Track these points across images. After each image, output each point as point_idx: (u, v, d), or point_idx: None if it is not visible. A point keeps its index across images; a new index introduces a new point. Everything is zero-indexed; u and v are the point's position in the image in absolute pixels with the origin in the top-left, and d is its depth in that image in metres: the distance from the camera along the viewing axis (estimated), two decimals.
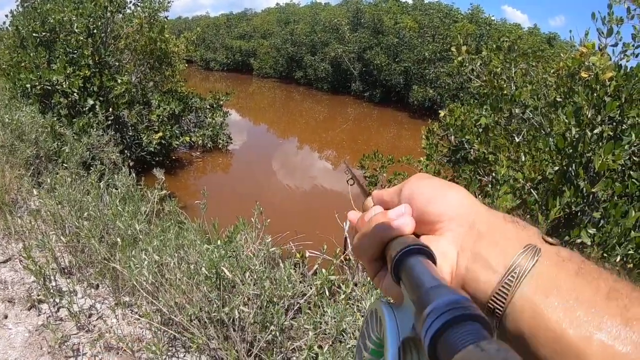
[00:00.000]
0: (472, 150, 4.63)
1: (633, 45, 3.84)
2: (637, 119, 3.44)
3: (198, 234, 3.80)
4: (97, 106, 9.43)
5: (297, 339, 3.02)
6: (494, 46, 5.41)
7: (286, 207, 10.47)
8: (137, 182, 5.52)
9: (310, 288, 3.30)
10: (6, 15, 10.94)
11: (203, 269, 3.11)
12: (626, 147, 3.13)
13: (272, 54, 35.58)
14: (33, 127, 7.20)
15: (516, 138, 4.36)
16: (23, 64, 9.55)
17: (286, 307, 3.21)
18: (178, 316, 3.11)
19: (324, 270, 3.12)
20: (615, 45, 3.84)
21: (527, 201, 3.53)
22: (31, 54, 9.60)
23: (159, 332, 3.27)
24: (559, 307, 0.42)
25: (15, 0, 10.79)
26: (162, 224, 4.02)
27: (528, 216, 3.47)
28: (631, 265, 2.94)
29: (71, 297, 3.53)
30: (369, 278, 3.34)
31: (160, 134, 10.79)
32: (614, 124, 3.40)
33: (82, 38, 9.55)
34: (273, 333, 2.93)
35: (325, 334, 2.83)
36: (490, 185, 4.05)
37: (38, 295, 3.76)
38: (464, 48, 5.27)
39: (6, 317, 3.57)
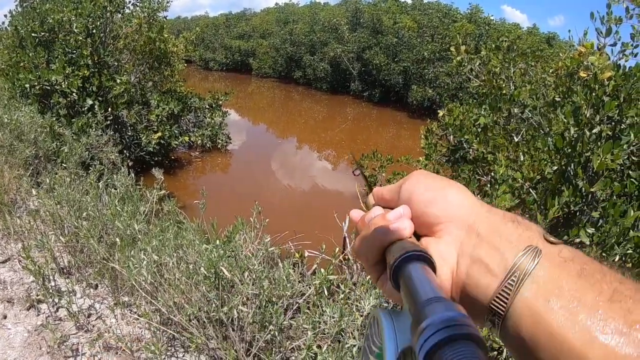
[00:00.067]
0: (471, 149, 4.63)
1: (632, 45, 3.84)
2: (635, 118, 3.44)
3: (197, 233, 3.80)
4: (96, 106, 9.43)
5: (296, 338, 3.02)
6: (493, 46, 5.41)
7: (285, 207, 10.47)
8: (136, 182, 5.52)
9: (309, 288, 3.30)
10: (5, 15, 10.95)
11: (202, 268, 3.11)
12: (625, 146, 3.13)
13: (271, 53, 35.57)
14: (32, 127, 7.20)
15: (515, 138, 4.36)
16: (22, 64, 9.54)
17: (285, 306, 3.21)
18: (177, 316, 3.11)
19: (322, 270, 3.12)
20: (614, 44, 3.84)
21: (525, 201, 3.53)
22: (30, 54, 9.59)
23: (158, 331, 3.27)
24: (561, 311, 0.41)
25: (14, 0, 10.80)
26: (161, 224, 4.02)
27: (527, 216, 3.47)
28: (630, 264, 2.95)
29: (70, 297, 3.53)
30: (368, 278, 3.34)
31: (160, 133, 10.78)
32: (613, 123, 3.40)
33: (81, 38, 9.55)
34: (272, 333, 2.93)
35: (324, 334, 2.83)
36: (489, 185, 4.05)
37: (37, 295, 3.76)
38: (462, 48, 5.27)
39: (5, 317, 3.57)
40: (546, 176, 3.51)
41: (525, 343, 0.43)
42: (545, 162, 3.55)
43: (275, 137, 20.04)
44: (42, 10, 9.75)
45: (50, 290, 3.69)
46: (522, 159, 3.83)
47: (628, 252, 2.90)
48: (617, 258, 2.91)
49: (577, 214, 3.43)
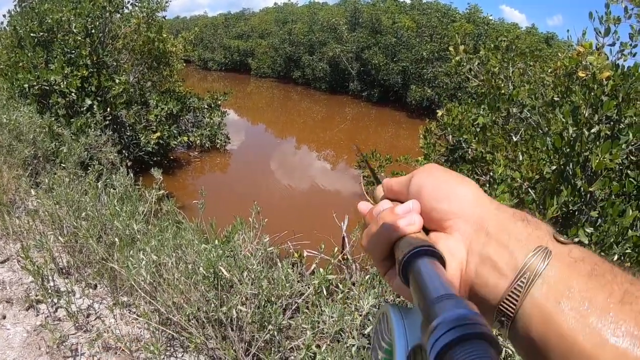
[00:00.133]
0: (469, 149, 4.64)
1: (630, 45, 3.84)
2: (634, 118, 3.45)
3: (196, 233, 3.79)
4: (95, 106, 9.42)
5: (295, 338, 3.02)
6: (492, 46, 5.42)
7: (284, 207, 10.48)
8: (135, 182, 5.52)
9: (308, 287, 3.30)
10: (4, 15, 10.95)
11: (201, 268, 3.11)
12: (623, 146, 3.14)
13: (270, 53, 35.59)
14: (31, 127, 7.19)
15: (514, 137, 4.36)
16: (21, 64, 9.54)
17: (284, 306, 3.21)
18: (176, 316, 3.11)
19: (321, 270, 3.12)
20: (613, 44, 3.84)
21: (524, 200, 3.53)
22: (29, 54, 9.59)
23: (157, 332, 3.27)
24: (571, 313, 0.41)
25: (13, 0, 10.80)
26: (160, 224, 4.02)
27: None
28: (629, 264, 2.95)
29: (69, 297, 3.52)
30: (367, 277, 3.35)
31: (158, 133, 10.79)
32: (612, 123, 3.41)
33: (80, 38, 9.55)
34: (271, 332, 2.94)
35: (323, 334, 2.83)
36: (487, 185, 4.06)
37: (36, 296, 3.76)
38: (461, 47, 5.27)
39: (4, 317, 3.57)
40: (545, 176, 3.51)
41: (534, 344, 0.43)
42: (544, 162, 3.56)
43: (274, 137, 20.06)
44: (40, 10, 9.75)
45: (49, 291, 3.69)
46: (520, 159, 3.84)
47: (627, 251, 2.91)
48: (615, 257, 2.91)
49: (576, 213, 3.43)
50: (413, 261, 0.47)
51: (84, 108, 9.42)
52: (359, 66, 27.89)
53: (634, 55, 3.86)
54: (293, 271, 3.30)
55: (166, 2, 11.26)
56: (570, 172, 3.41)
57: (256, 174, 13.24)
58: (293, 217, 9.30)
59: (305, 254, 4.39)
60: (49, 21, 9.62)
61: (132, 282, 3.33)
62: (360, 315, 2.82)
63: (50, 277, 3.86)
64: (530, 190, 3.55)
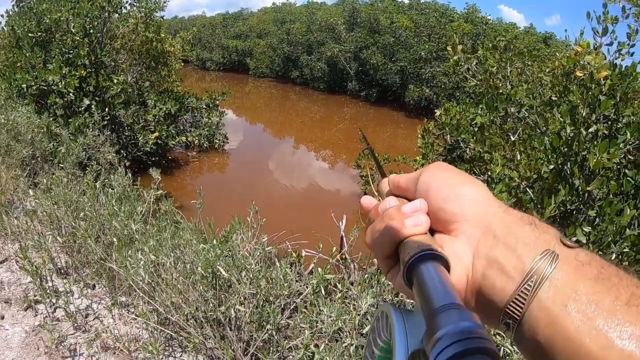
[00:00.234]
0: (467, 149, 4.64)
1: (628, 44, 3.85)
2: (632, 117, 3.46)
3: (194, 233, 3.79)
4: (93, 106, 9.41)
5: (294, 338, 3.02)
6: (490, 45, 5.42)
7: (282, 207, 10.48)
8: (133, 182, 5.51)
9: (307, 287, 3.30)
10: (2, 15, 10.93)
11: (199, 268, 3.11)
12: (621, 145, 3.14)
13: (268, 53, 35.57)
14: (29, 127, 7.18)
15: (511, 137, 4.37)
16: (19, 64, 9.53)
17: (282, 306, 3.22)
18: (174, 316, 3.11)
19: (320, 270, 3.12)
20: (611, 44, 3.85)
21: (522, 200, 3.54)
22: (27, 54, 9.58)
23: (155, 331, 3.27)
24: (578, 316, 0.41)
25: (10, 0, 10.78)
26: (159, 224, 4.01)
27: None
28: (627, 263, 2.96)
29: (68, 298, 3.52)
30: (365, 277, 3.35)
31: (157, 133, 10.78)
32: (609, 122, 3.42)
33: (78, 38, 9.55)
34: (269, 332, 2.94)
35: (322, 333, 2.83)
36: (485, 184, 4.06)
37: (35, 296, 3.76)
38: (459, 47, 5.28)
39: (3, 317, 3.57)
40: (543, 175, 3.52)
41: (541, 347, 0.43)
42: (542, 161, 3.56)
43: (272, 136, 20.05)
44: (38, 11, 9.74)
45: (48, 291, 3.68)
46: (518, 158, 3.84)
47: (624, 250, 2.91)
48: (613, 256, 2.92)
49: (574, 212, 3.44)
50: (418, 265, 0.47)
51: (82, 108, 9.41)
52: (357, 66, 27.89)
53: (632, 55, 3.87)
54: (291, 271, 3.30)
55: (164, 2, 11.25)
56: (568, 172, 3.41)
57: (254, 174, 13.24)
58: (291, 216, 9.30)
59: (303, 253, 4.40)
60: (47, 21, 9.61)
61: (131, 282, 3.33)
62: (359, 315, 2.82)
63: (48, 278, 3.86)
64: (528, 190, 3.56)
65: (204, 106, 13.11)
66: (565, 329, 0.41)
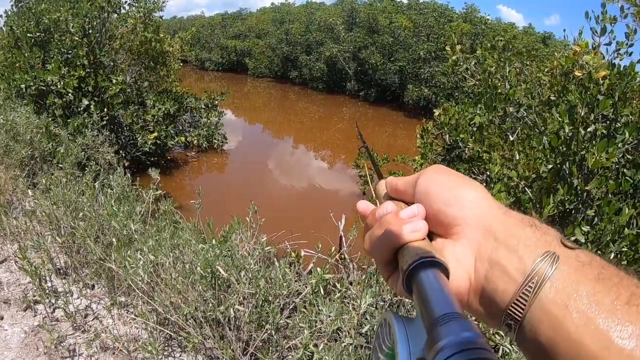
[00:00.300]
0: (466, 148, 4.65)
1: (626, 44, 3.86)
2: (630, 117, 3.46)
3: (193, 233, 3.79)
4: (92, 106, 9.41)
5: (293, 337, 3.02)
6: (489, 45, 5.43)
7: (281, 207, 10.49)
8: (132, 182, 5.51)
9: (306, 287, 3.30)
10: (0, 16, 10.92)
11: (198, 268, 3.11)
12: (619, 145, 3.15)
13: (267, 53, 35.57)
14: (28, 127, 7.18)
15: (510, 137, 4.38)
16: (17, 65, 9.52)
17: (281, 306, 3.22)
18: (174, 316, 3.11)
19: (319, 269, 3.12)
20: (609, 44, 3.85)
21: (521, 199, 3.54)
22: (26, 54, 9.57)
23: (154, 331, 3.27)
24: (578, 316, 0.41)
25: (9, 0, 10.78)
26: (158, 224, 4.01)
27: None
28: (625, 262, 2.96)
29: (67, 298, 3.52)
30: (364, 277, 3.35)
31: (156, 134, 10.78)
32: (608, 122, 3.42)
33: (77, 38, 9.54)
34: (269, 332, 2.94)
35: (321, 333, 2.83)
36: (484, 184, 4.06)
37: (34, 296, 3.75)
38: (458, 47, 5.29)
39: (2, 318, 3.56)
40: (541, 175, 3.52)
41: (542, 348, 0.43)
42: (541, 161, 3.57)
43: (271, 137, 20.05)
44: (37, 11, 9.73)
45: (47, 291, 3.68)
46: (517, 158, 3.85)
47: (623, 249, 2.92)
48: (612, 256, 2.92)
49: (573, 212, 3.44)
50: (417, 272, 0.47)
51: (81, 108, 9.40)
52: (356, 66, 27.90)
53: (630, 55, 3.87)
54: (290, 270, 3.30)
55: (163, 2, 11.24)
56: (567, 171, 3.42)
57: (253, 174, 13.24)
58: (290, 216, 9.30)
59: (302, 253, 4.40)
60: (46, 21, 9.61)
61: (130, 282, 3.33)
62: (358, 315, 2.82)
63: (47, 278, 3.86)
64: (526, 189, 3.56)
65: (203, 106, 13.10)
66: (566, 330, 0.41)
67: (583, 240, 3.01)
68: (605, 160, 3.02)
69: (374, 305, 2.97)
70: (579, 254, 0.45)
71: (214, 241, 3.36)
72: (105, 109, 9.74)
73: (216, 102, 13.43)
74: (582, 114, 3.33)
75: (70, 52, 9.59)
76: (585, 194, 3.35)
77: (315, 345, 2.74)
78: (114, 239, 3.90)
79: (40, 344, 3.30)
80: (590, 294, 0.41)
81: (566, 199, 3.26)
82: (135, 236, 3.89)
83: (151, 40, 11.12)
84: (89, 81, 9.58)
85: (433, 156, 5.25)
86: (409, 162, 5.64)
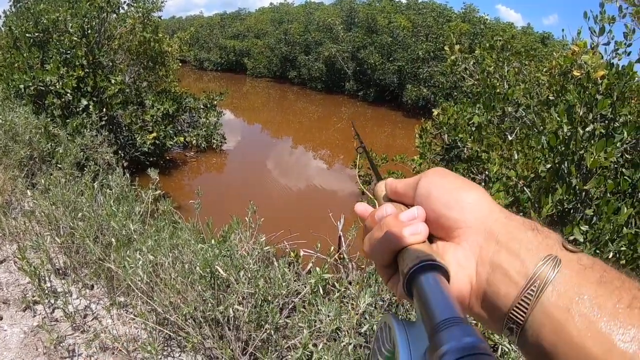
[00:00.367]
0: (465, 148, 4.65)
1: (625, 44, 3.86)
2: (629, 116, 3.46)
3: (192, 233, 3.80)
4: (90, 106, 9.40)
5: (292, 337, 3.03)
6: (487, 45, 5.43)
7: (280, 206, 10.49)
8: (131, 182, 5.51)
9: (305, 287, 3.30)
10: None
11: (197, 268, 3.11)
12: (618, 144, 3.15)
13: (266, 53, 35.57)
14: (27, 128, 7.17)
15: (509, 136, 4.38)
16: (16, 65, 9.50)
17: (281, 305, 3.22)
18: (173, 316, 3.11)
19: (318, 269, 3.12)
20: (608, 43, 3.86)
21: (519, 199, 3.54)
22: (24, 55, 9.55)
23: (154, 331, 3.27)
24: (580, 320, 0.41)
25: (8, 1, 10.76)
26: (157, 224, 4.01)
27: (521, 214, 3.49)
28: (624, 261, 2.96)
29: (66, 298, 3.52)
30: (363, 276, 3.35)
31: (154, 134, 10.77)
32: (606, 121, 3.42)
33: (75, 38, 9.53)
34: (268, 332, 2.94)
35: (320, 332, 2.83)
36: (483, 184, 4.07)
37: (33, 297, 3.75)
38: (456, 47, 5.29)
39: (1, 318, 3.56)
40: (540, 174, 3.52)
41: (544, 351, 0.43)
42: (539, 161, 3.57)
43: (270, 137, 20.05)
44: (36, 11, 9.72)
45: (46, 291, 3.68)
46: (516, 158, 3.85)
47: (621, 249, 2.92)
48: (610, 255, 2.93)
49: (571, 211, 3.45)
50: (417, 276, 0.47)
51: (80, 108, 9.39)
52: (354, 66, 27.91)
53: (629, 54, 3.88)
54: (289, 270, 3.30)
55: (162, 2, 11.24)
56: (566, 171, 3.42)
57: (252, 174, 13.24)
58: (289, 216, 9.30)
59: (301, 253, 4.41)
60: (45, 21, 9.60)
61: (129, 282, 3.33)
62: (357, 314, 2.82)
63: (47, 278, 3.86)
64: (525, 189, 3.56)
65: (202, 106, 13.09)
66: (569, 334, 0.41)
67: (582, 240, 3.01)
68: (604, 160, 3.03)
69: (373, 305, 2.97)
70: (580, 257, 0.45)
71: (213, 241, 3.36)
72: (104, 109, 9.73)
73: (215, 102, 13.42)
74: (581, 113, 3.34)
75: (69, 52, 9.58)
76: (583, 193, 3.35)
77: (315, 345, 2.75)
78: (113, 239, 3.90)
79: (40, 344, 3.30)
80: (592, 297, 0.41)
81: (565, 198, 3.27)
82: (135, 236, 3.89)
83: (150, 40, 11.12)
84: (88, 81, 9.57)
85: (432, 156, 5.25)
86: (407, 162, 5.64)
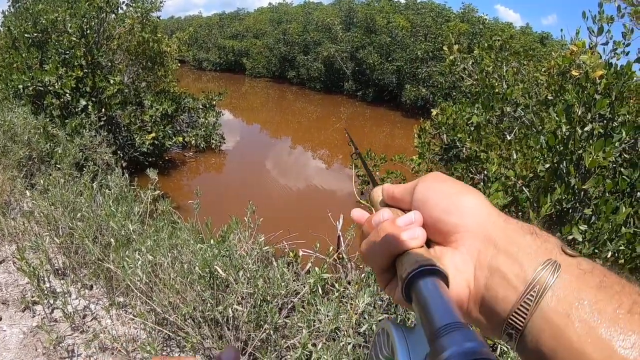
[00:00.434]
0: (463, 148, 4.65)
1: (623, 44, 3.86)
2: (627, 116, 3.47)
3: (191, 233, 3.80)
4: (89, 107, 9.40)
5: (291, 337, 3.03)
6: (486, 45, 5.43)
7: (279, 206, 10.48)
8: (130, 182, 5.51)
9: (304, 286, 3.31)
10: None
11: (197, 268, 3.11)
12: (616, 144, 3.15)
13: (264, 53, 35.57)
14: (25, 128, 7.17)
15: (507, 136, 4.38)
16: (15, 65, 9.50)
17: (280, 305, 3.22)
18: (172, 316, 3.12)
19: (317, 269, 3.12)
20: (606, 43, 3.86)
21: (518, 198, 3.55)
22: (23, 55, 9.55)
23: (153, 331, 3.28)
24: (580, 325, 0.40)
25: (6, 1, 10.75)
26: (156, 224, 4.02)
27: (520, 213, 3.49)
28: (622, 260, 2.97)
29: (65, 298, 3.52)
30: (362, 276, 3.36)
31: (153, 134, 10.77)
32: (605, 121, 3.43)
33: (74, 38, 9.52)
34: (267, 331, 2.94)
35: (319, 332, 2.83)
36: (482, 183, 4.07)
37: (32, 297, 3.76)
38: (455, 47, 5.30)
39: (1, 319, 3.56)
40: (539, 174, 3.53)
41: (543, 357, 0.43)
42: (538, 160, 3.57)
43: (269, 137, 20.05)
44: (35, 11, 9.72)
45: (45, 292, 3.68)
46: (514, 157, 3.85)
47: (620, 248, 2.92)
48: (609, 254, 2.93)
49: (570, 211, 3.45)
50: (416, 281, 0.46)
51: (79, 109, 9.39)
52: (353, 66, 27.92)
53: (627, 54, 3.87)
54: (288, 270, 3.30)
55: (160, 2, 11.23)
56: (564, 170, 3.42)
57: (251, 174, 13.25)
58: (288, 216, 9.31)
59: (300, 253, 4.41)
60: (43, 22, 9.59)
61: (128, 283, 3.33)
62: (356, 314, 2.83)
63: (46, 278, 3.87)
64: (524, 189, 3.56)
65: (201, 106, 13.08)
66: (568, 339, 0.40)
67: (580, 239, 3.01)
68: (602, 160, 3.03)
69: (372, 305, 2.97)
70: (580, 262, 0.45)
71: (212, 241, 3.36)
72: (103, 110, 9.73)
73: (214, 102, 13.41)
74: (579, 113, 3.34)
75: (67, 52, 9.58)
76: (582, 193, 3.35)
77: (314, 345, 2.75)
78: (112, 239, 3.90)
79: (39, 344, 3.30)
80: (592, 302, 0.41)
81: (563, 198, 3.27)
82: (134, 236, 3.89)
83: (149, 41, 11.12)
84: (87, 81, 9.57)
85: (430, 156, 5.25)
86: (406, 162, 5.64)
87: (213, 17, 48.33)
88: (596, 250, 2.98)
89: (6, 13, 10.78)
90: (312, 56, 30.35)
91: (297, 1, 55.27)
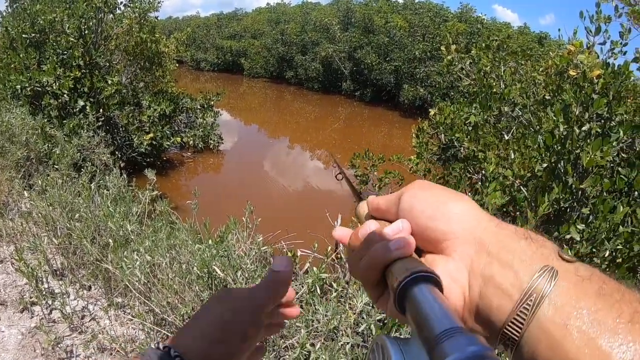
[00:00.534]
0: (461, 148, 4.65)
1: (621, 43, 3.86)
2: (624, 116, 3.47)
3: (190, 234, 3.80)
4: (87, 107, 9.40)
5: (289, 337, 3.03)
6: (483, 45, 5.44)
7: (277, 207, 10.48)
8: (128, 183, 5.52)
9: (302, 286, 3.31)
10: None
11: (195, 268, 3.12)
12: (614, 143, 3.16)
13: (262, 53, 35.55)
14: (23, 128, 7.16)
15: (505, 136, 4.39)
16: (13, 65, 9.49)
17: None
18: (171, 316, 3.12)
19: (315, 269, 3.12)
20: (603, 43, 3.86)
21: (516, 198, 3.55)
22: (21, 55, 9.54)
23: (152, 332, 3.27)
24: (579, 336, 0.39)
25: (4, 1, 10.75)
26: (154, 225, 4.02)
27: (518, 213, 3.50)
28: (620, 260, 2.97)
29: (64, 299, 3.52)
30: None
31: (151, 134, 10.75)
32: (602, 121, 3.43)
33: (72, 39, 9.52)
34: None
35: (317, 332, 2.84)
36: (480, 183, 4.08)
37: (30, 298, 3.75)
38: (453, 47, 5.30)
39: None
40: (536, 173, 3.53)
41: None
42: (536, 160, 3.58)
43: (267, 137, 20.02)
44: (32, 11, 9.71)
45: (44, 292, 3.68)
46: (512, 157, 3.86)
47: (618, 247, 2.93)
48: (607, 253, 2.94)
49: (567, 210, 3.45)
50: (409, 289, 0.44)
51: (77, 109, 9.39)
52: (351, 66, 27.91)
53: (624, 54, 3.88)
54: None
55: (158, 3, 11.22)
56: (562, 170, 3.43)
57: (249, 174, 13.23)
58: (286, 216, 9.30)
59: (298, 253, 4.40)
60: (41, 22, 9.58)
61: (127, 283, 3.33)
62: (354, 314, 2.83)
63: (44, 279, 3.86)
64: (522, 188, 3.57)
65: (199, 107, 13.07)
66: (566, 351, 0.39)
67: (578, 239, 3.02)
68: (600, 159, 3.03)
69: (371, 305, 2.97)
70: (578, 268, 0.43)
71: (210, 241, 3.37)
72: (101, 110, 9.72)
73: (212, 102, 13.40)
74: (577, 113, 3.34)
75: (65, 52, 9.57)
76: (580, 192, 3.36)
77: (312, 345, 2.75)
78: (110, 240, 3.90)
79: (38, 345, 3.30)
80: (592, 311, 0.39)
81: (561, 197, 3.27)
82: (132, 237, 3.89)
83: (146, 41, 11.11)
84: (85, 82, 9.56)
85: (428, 156, 5.26)
86: (404, 162, 5.64)
87: (211, 18, 48.26)
88: (594, 250, 2.99)
89: (4, 13, 10.76)
90: (310, 56, 30.33)
91: (295, 1, 55.39)
